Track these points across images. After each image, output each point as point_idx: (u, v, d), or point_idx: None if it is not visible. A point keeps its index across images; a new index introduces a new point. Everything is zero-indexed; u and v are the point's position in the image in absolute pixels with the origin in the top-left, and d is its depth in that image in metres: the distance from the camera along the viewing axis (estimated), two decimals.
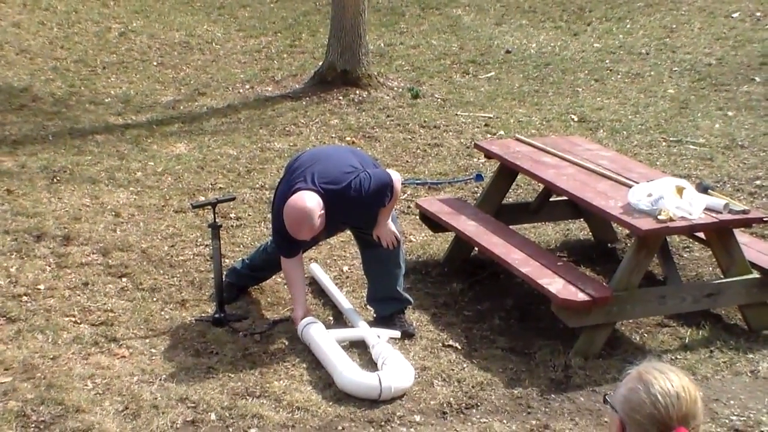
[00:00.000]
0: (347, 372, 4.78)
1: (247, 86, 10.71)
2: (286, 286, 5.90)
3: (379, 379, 4.68)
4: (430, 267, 6.27)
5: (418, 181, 7.75)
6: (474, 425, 4.56)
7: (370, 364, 4.97)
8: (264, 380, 4.86)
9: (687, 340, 5.36)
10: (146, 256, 6.31)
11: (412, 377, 4.81)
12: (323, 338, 5.05)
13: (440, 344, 5.28)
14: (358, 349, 5.16)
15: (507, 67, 11.35)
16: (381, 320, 5.39)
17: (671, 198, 5.10)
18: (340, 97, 10.10)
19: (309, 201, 4.90)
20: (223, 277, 5.52)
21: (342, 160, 5.20)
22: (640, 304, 5.20)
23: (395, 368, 4.79)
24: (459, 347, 5.26)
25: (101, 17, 13.26)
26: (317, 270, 5.98)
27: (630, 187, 5.41)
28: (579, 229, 6.94)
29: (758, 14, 13.10)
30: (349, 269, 6.21)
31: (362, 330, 5.20)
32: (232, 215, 7.00)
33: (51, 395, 4.63)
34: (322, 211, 4.93)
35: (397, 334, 5.23)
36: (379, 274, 5.42)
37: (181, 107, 9.96)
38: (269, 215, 7.01)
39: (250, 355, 5.11)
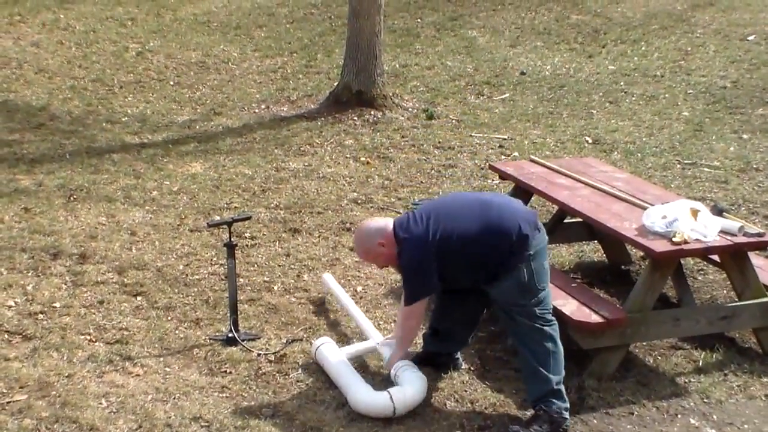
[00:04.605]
0: (359, 393, 4.78)
1: (263, 106, 10.77)
2: (299, 305, 5.93)
3: (391, 397, 4.69)
4: None
5: None
6: None
7: (386, 380, 4.97)
8: (277, 400, 4.86)
9: (701, 363, 5.35)
10: (161, 274, 6.34)
11: (424, 389, 4.80)
12: (336, 359, 5.06)
13: (453, 364, 5.27)
14: (374, 362, 5.16)
15: (521, 89, 11.38)
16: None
17: (686, 220, 5.10)
18: (355, 118, 10.14)
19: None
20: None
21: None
22: (654, 326, 5.19)
23: (407, 382, 4.78)
24: (472, 368, 5.26)
25: (119, 37, 13.38)
26: (330, 280, 6.00)
27: (644, 209, 5.41)
28: (593, 251, 6.94)
29: None
30: (363, 289, 6.22)
31: (374, 342, 5.19)
32: (247, 234, 7.03)
33: (66, 413, 4.65)
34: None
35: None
36: (522, 350, 4.84)
37: (197, 127, 10.02)
38: (284, 234, 7.07)
39: (264, 374, 5.12)
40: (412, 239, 4.62)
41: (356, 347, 5.26)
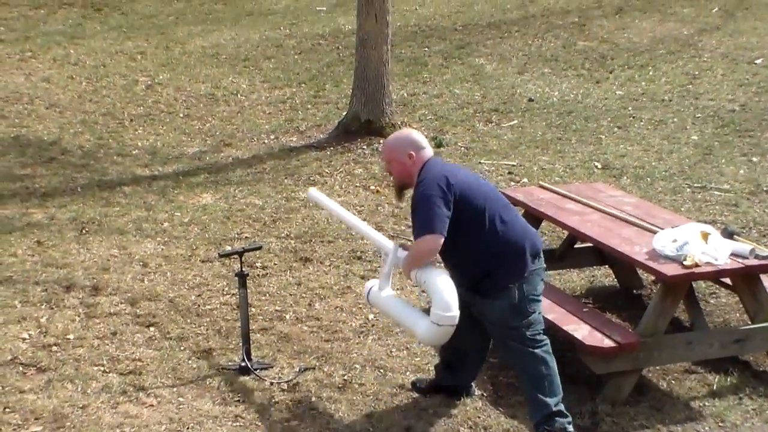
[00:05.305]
0: (418, 331, 4.73)
1: (272, 137, 10.82)
2: (311, 334, 5.94)
3: (432, 323, 4.61)
4: None
5: None
6: None
7: None
8: (290, 428, 4.87)
9: (715, 387, 5.33)
10: (174, 305, 6.36)
11: (448, 283, 4.64)
12: (391, 298, 5.01)
13: (466, 391, 5.26)
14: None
15: (530, 116, 11.41)
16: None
17: (696, 243, 5.10)
18: (364, 147, 10.18)
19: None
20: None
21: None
22: (666, 350, 5.18)
23: (433, 296, 4.66)
24: (485, 394, 5.25)
25: (129, 71, 13.48)
26: (318, 195, 5.74)
27: (655, 233, 5.41)
28: (604, 276, 6.93)
29: None
30: (374, 317, 6.23)
31: (391, 253, 4.98)
32: (258, 264, 7.06)
33: None
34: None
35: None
36: (519, 373, 5.00)
37: (207, 158, 10.07)
38: (295, 264, 7.09)
39: (277, 403, 5.13)
40: (433, 177, 4.66)
41: (386, 271, 5.04)
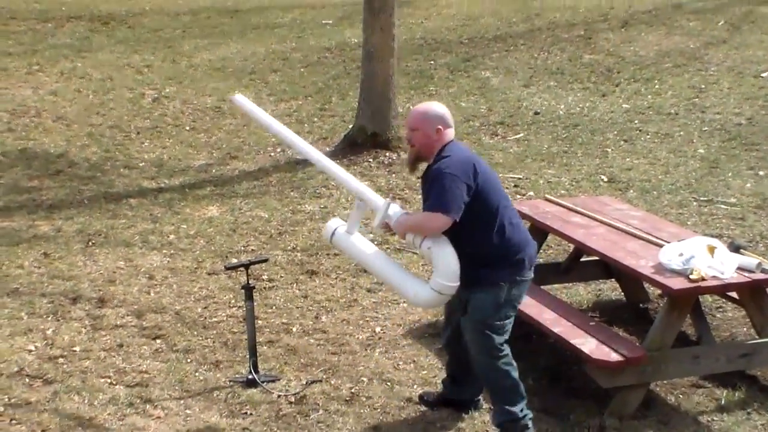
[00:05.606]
0: (413, 291, 4.68)
1: (278, 150, 10.84)
2: (318, 347, 5.94)
3: (433, 290, 4.58)
4: None
5: None
6: None
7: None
8: None
9: (723, 402, 5.32)
10: (180, 317, 6.37)
11: (455, 254, 4.58)
12: (369, 249, 4.92)
13: (473, 405, 5.25)
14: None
15: (536, 129, 11.42)
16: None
17: (703, 257, 5.10)
18: (370, 160, 10.20)
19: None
20: None
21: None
22: (673, 364, 5.17)
23: (439, 264, 4.60)
24: (492, 408, 5.23)
25: (136, 84, 13.52)
26: (244, 101, 5.54)
27: (661, 246, 5.41)
28: (610, 290, 6.93)
29: None
30: (381, 330, 6.23)
31: (382, 211, 4.88)
32: (265, 277, 7.06)
33: None
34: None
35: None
36: (482, 379, 5.07)
37: (213, 171, 10.09)
38: (301, 276, 7.09)
39: (284, 416, 5.12)
40: (462, 160, 4.71)
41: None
